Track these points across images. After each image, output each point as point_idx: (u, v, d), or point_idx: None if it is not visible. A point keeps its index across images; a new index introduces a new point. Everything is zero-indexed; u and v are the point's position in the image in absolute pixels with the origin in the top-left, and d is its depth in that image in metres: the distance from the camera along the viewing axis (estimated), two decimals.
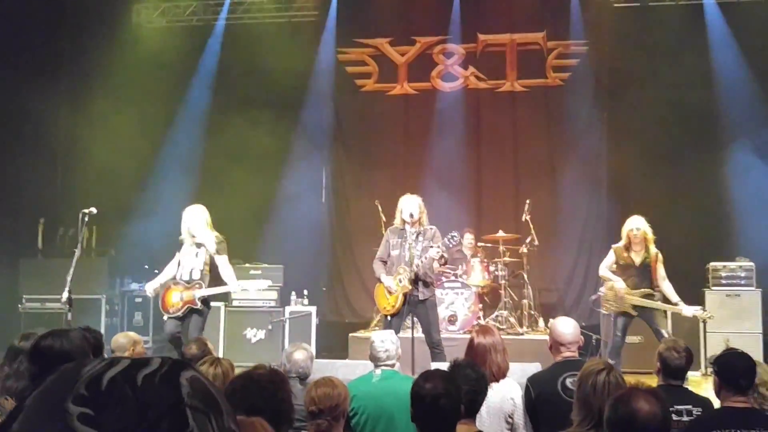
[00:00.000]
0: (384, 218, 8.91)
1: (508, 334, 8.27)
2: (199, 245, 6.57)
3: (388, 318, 6.70)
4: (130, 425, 0.68)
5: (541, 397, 3.79)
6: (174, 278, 6.61)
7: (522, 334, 8.51)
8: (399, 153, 10.77)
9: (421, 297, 6.63)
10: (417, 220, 6.73)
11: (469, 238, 9.52)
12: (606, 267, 7.23)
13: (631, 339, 8.20)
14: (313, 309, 9.08)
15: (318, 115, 10.83)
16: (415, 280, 6.56)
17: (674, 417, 3.53)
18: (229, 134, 10.51)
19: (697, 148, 9.62)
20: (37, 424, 0.69)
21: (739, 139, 9.32)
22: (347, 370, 5.77)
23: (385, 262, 6.87)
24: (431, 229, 6.87)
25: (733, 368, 3.42)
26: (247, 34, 10.87)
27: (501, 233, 9.11)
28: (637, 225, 6.91)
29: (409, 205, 6.78)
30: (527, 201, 9.16)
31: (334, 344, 9.32)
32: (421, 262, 6.53)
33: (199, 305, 6.43)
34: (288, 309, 9.00)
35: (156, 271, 9.96)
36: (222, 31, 11.03)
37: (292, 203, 10.42)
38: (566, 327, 4.08)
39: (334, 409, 3.15)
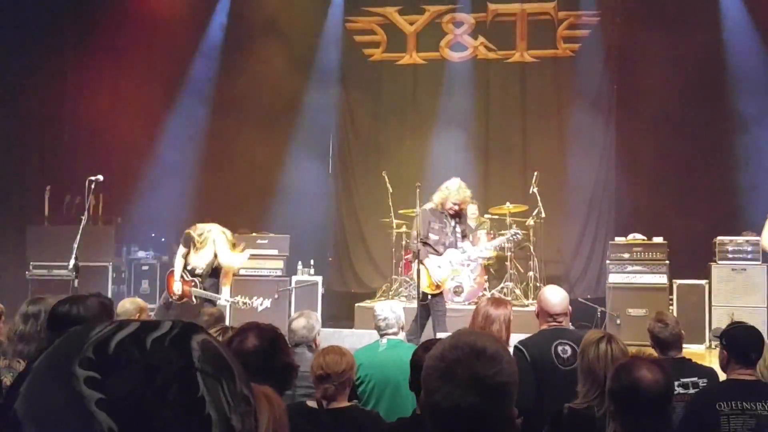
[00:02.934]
0: (390, 189, 8.90)
1: (514, 306, 8.27)
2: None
3: (429, 296, 6.82)
4: (137, 389, 0.67)
5: (537, 363, 3.68)
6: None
7: (527, 306, 8.51)
8: (406, 123, 10.70)
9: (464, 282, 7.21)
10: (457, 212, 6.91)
11: (472, 209, 9.48)
12: None
13: (636, 312, 8.23)
14: (319, 279, 9.10)
15: (325, 85, 10.75)
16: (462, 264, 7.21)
17: (681, 390, 3.52)
18: (236, 103, 10.49)
19: (707, 121, 9.53)
20: (44, 386, 0.68)
21: (750, 113, 9.20)
22: (354, 339, 5.82)
23: (424, 243, 6.88)
24: (464, 214, 7.10)
25: (741, 340, 3.41)
26: (254, 1, 10.77)
27: (508, 205, 9.08)
28: None
29: (457, 199, 6.85)
30: (535, 173, 9.10)
31: (340, 314, 9.37)
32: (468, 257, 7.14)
33: (194, 301, 6.74)
34: (294, 278, 9.03)
35: (163, 239, 10.08)
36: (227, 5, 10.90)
37: (299, 173, 10.41)
38: (555, 296, 3.97)
39: (341, 375, 3.18)
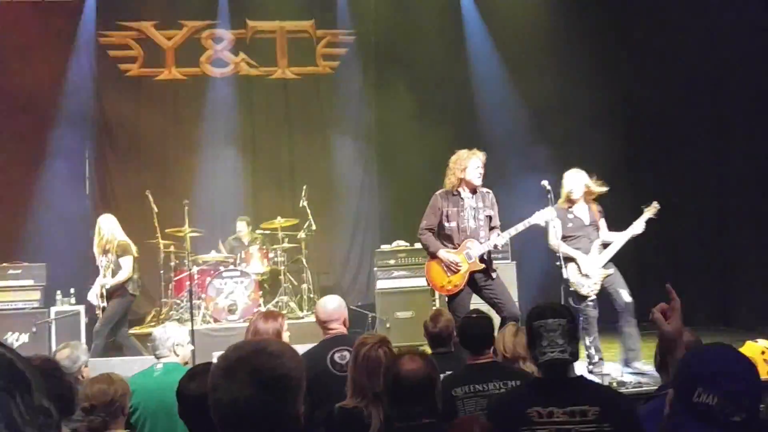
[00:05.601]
0: (156, 208, 8.57)
1: (289, 318, 8.38)
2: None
3: (447, 299, 5.94)
4: None
5: (311, 373, 3.80)
6: None
7: (302, 317, 8.67)
8: (168, 140, 10.39)
9: (492, 275, 5.83)
10: (480, 185, 5.82)
11: (241, 226, 9.48)
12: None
13: (403, 314, 8.72)
14: (81, 308, 8.48)
15: (78, 102, 10.06)
16: (483, 256, 5.79)
17: None
18: None
19: (459, 135, 10.34)
20: None
21: (497, 134, 10.05)
22: (125, 367, 5.52)
23: (433, 232, 5.90)
24: (489, 192, 5.94)
25: (469, 331, 3.77)
26: None
27: (279, 220, 9.18)
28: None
29: (478, 162, 5.75)
30: (304, 187, 9.32)
31: (107, 343, 8.80)
32: (488, 247, 5.76)
33: None
34: (54, 309, 8.33)
35: None
36: None
37: (53, 197, 9.62)
38: (328, 304, 4.18)
39: (110, 405, 3.06)
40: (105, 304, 7.25)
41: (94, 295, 7.32)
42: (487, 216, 5.85)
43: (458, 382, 3.47)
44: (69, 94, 9.98)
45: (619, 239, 6.38)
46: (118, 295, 7.31)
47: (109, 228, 7.39)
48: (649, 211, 6.44)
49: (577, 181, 6.40)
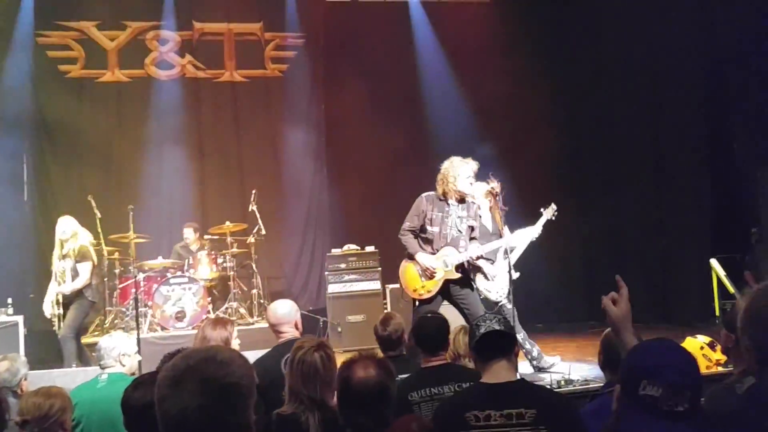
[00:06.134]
0: (99, 214, 8.30)
1: (239, 324, 8.22)
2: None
3: (416, 303, 5.82)
4: None
5: (265, 380, 3.74)
6: None
7: (253, 323, 8.52)
8: (112, 144, 10.09)
9: (466, 287, 5.80)
10: (471, 194, 5.79)
11: (188, 233, 9.29)
12: None
13: (355, 318, 8.65)
14: (19, 318, 8.14)
15: (15, 104, 9.67)
16: (463, 265, 5.75)
17: None
18: None
19: (406, 135, 10.34)
20: None
21: (443, 138, 10.07)
22: (67, 379, 5.31)
23: (415, 235, 5.81)
24: (474, 203, 5.92)
25: (423, 332, 3.75)
26: None
27: (228, 224, 9.01)
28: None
29: (470, 171, 5.71)
30: (253, 191, 9.18)
31: (48, 355, 8.48)
32: (469, 258, 5.75)
33: None
34: None
35: None
36: None
37: None
38: (278, 308, 4.16)
39: (44, 420, 2.95)
40: (61, 311, 7.01)
41: (49, 303, 7.07)
42: (469, 226, 5.81)
43: (414, 387, 3.43)
44: (5, 95, 9.59)
45: (521, 243, 6.44)
46: (76, 301, 7.08)
47: (71, 230, 7.14)
48: (547, 213, 6.47)
49: (479, 190, 6.30)
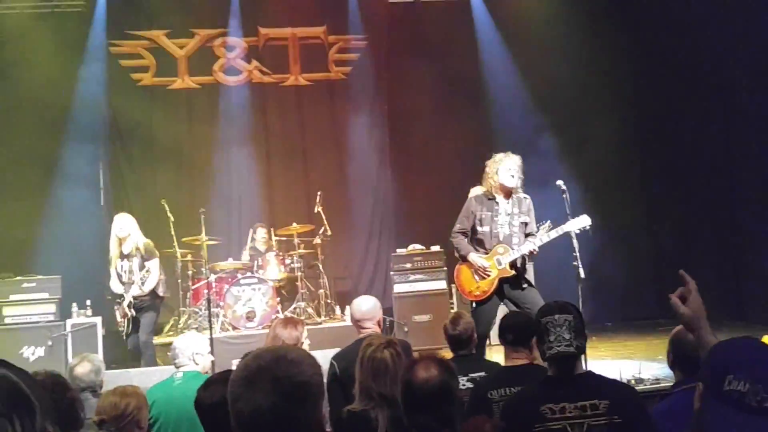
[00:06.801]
0: (172, 217, 8.55)
1: (307, 324, 8.32)
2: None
3: (473, 304, 5.73)
4: None
5: (346, 372, 3.75)
6: None
7: (320, 323, 8.62)
8: (183, 149, 10.37)
9: (523, 284, 5.64)
10: (515, 187, 5.60)
11: (261, 233, 9.45)
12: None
13: (420, 318, 8.65)
14: (98, 319, 8.46)
15: (90, 112, 10.06)
16: (516, 263, 5.58)
17: (469, 385, 3.75)
18: None
19: (470, 135, 10.29)
20: None
21: (508, 132, 10.01)
22: (143, 378, 5.48)
23: (467, 236, 5.72)
24: (526, 198, 5.74)
25: (509, 328, 3.67)
26: (3, 27, 9.84)
27: (295, 225, 9.15)
28: None
29: (510, 163, 5.57)
30: (318, 192, 9.29)
31: (125, 354, 8.78)
32: (521, 256, 5.55)
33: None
34: (69, 322, 8.30)
35: None
36: None
37: (67, 208, 9.62)
38: (363, 304, 4.20)
39: (121, 419, 3.03)
40: (133, 313, 6.98)
41: (125, 308, 6.99)
42: (522, 222, 5.66)
43: (494, 384, 3.42)
44: (81, 104, 9.98)
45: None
46: (151, 302, 7.07)
47: (131, 227, 7.08)
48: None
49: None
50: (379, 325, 4.15)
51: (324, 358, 4.84)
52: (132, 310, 6.94)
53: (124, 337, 7.15)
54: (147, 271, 6.95)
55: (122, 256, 7.05)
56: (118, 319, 7.07)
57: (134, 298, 6.99)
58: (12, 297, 8.23)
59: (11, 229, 9.25)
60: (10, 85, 9.64)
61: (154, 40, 10.44)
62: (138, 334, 7.08)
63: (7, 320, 8.15)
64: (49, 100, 9.70)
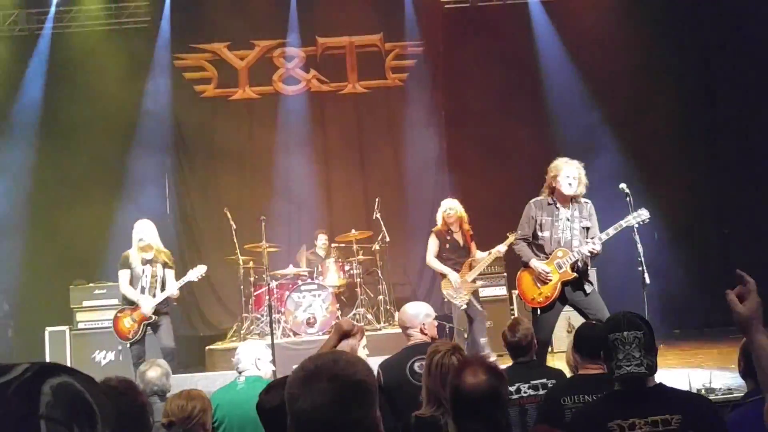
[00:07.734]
0: (234, 225, 8.73)
1: (367, 330, 8.36)
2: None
3: (538, 311, 5.63)
4: None
5: (390, 383, 3.76)
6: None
7: (380, 329, 8.66)
8: (244, 158, 10.60)
9: (587, 288, 5.58)
10: (574, 194, 5.55)
11: (322, 240, 9.55)
12: (433, 255, 7.40)
13: None
14: None
15: (156, 124, 10.39)
16: (577, 265, 5.51)
17: (531, 392, 3.72)
18: (63, 153, 9.90)
19: (529, 138, 10.18)
20: None
21: (568, 134, 9.90)
22: (207, 383, 5.62)
23: (529, 243, 5.71)
24: (587, 203, 5.68)
25: (587, 338, 3.58)
26: (75, 44, 10.27)
27: (354, 232, 9.21)
28: (450, 206, 7.52)
29: (569, 170, 5.53)
30: (377, 199, 9.34)
31: (189, 359, 9.01)
32: (581, 257, 5.48)
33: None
34: None
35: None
36: (48, 42, 10.31)
37: (134, 215, 9.91)
38: (408, 309, 4.16)
39: (187, 421, 3.10)
40: (156, 318, 6.77)
41: (143, 313, 6.73)
42: (584, 227, 5.60)
43: (567, 392, 3.38)
44: (148, 117, 10.33)
45: (484, 260, 7.42)
46: (168, 310, 6.94)
47: (154, 234, 6.93)
48: (513, 236, 6.38)
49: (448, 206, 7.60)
50: (422, 333, 4.06)
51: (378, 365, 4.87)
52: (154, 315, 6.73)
53: (129, 345, 6.87)
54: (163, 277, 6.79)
55: (144, 262, 6.86)
56: (127, 325, 6.76)
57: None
58: (85, 303, 8.56)
59: (84, 237, 9.60)
60: (82, 99, 10.02)
61: (215, 52, 10.70)
62: (148, 341, 6.84)
63: (80, 325, 8.48)
64: (118, 113, 10.07)
